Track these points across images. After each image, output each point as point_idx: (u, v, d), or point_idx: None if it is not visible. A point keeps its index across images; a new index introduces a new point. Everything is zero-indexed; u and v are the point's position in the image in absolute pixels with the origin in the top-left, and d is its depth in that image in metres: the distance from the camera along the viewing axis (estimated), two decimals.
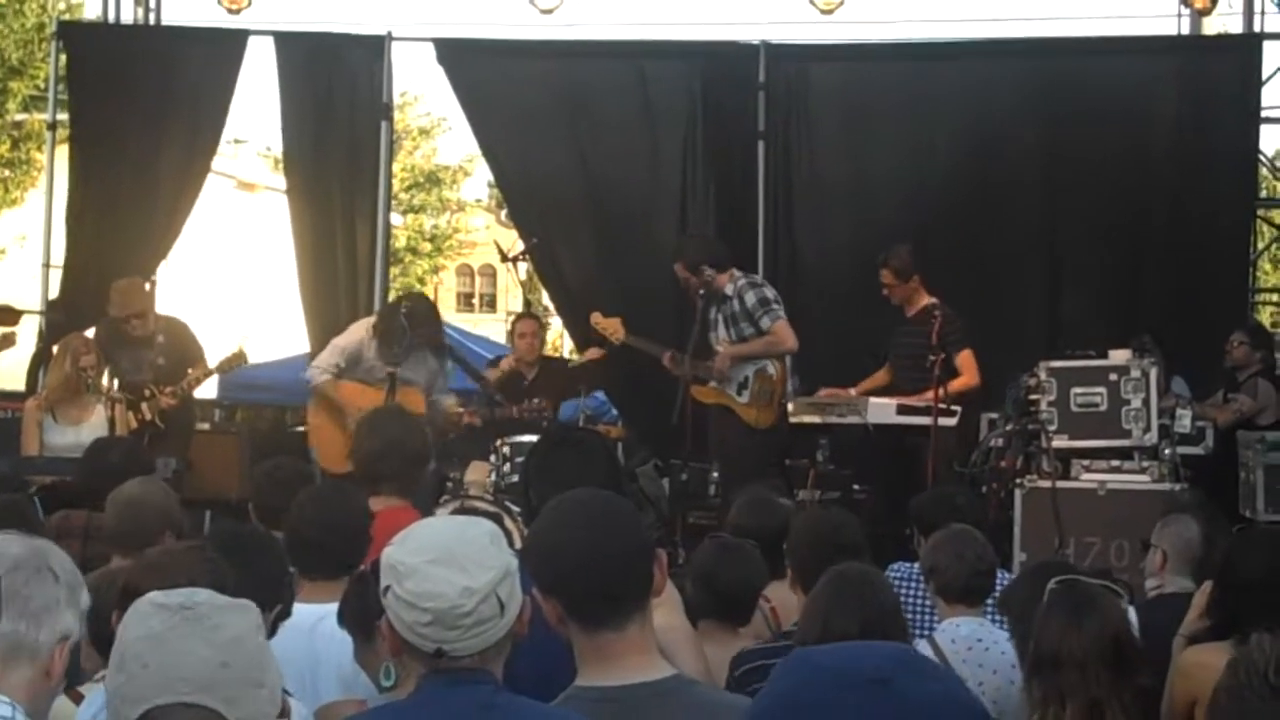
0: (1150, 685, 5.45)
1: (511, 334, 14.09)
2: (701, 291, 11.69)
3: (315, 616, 5.67)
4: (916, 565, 7.88)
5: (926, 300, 11.93)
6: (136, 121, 14.10)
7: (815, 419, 11.75)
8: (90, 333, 12.25)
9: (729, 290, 11.88)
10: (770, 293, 11.92)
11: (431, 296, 12.92)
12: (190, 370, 12.18)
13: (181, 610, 3.00)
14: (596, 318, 12.51)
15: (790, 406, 11.81)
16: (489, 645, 3.57)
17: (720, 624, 6.41)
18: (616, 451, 12.63)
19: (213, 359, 12.41)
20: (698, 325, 11.69)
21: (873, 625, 5.23)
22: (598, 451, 5.56)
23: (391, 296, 15.36)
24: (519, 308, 14.41)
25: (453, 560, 3.55)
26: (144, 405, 11.74)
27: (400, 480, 7.47)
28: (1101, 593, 5.12)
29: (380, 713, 3.92)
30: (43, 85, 22.93)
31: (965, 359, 11.71)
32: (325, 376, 11.75)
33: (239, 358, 12.53)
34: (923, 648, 6.49)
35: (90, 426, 11.17)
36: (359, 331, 11.97)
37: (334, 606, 5.66)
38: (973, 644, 6.52)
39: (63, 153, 14.62)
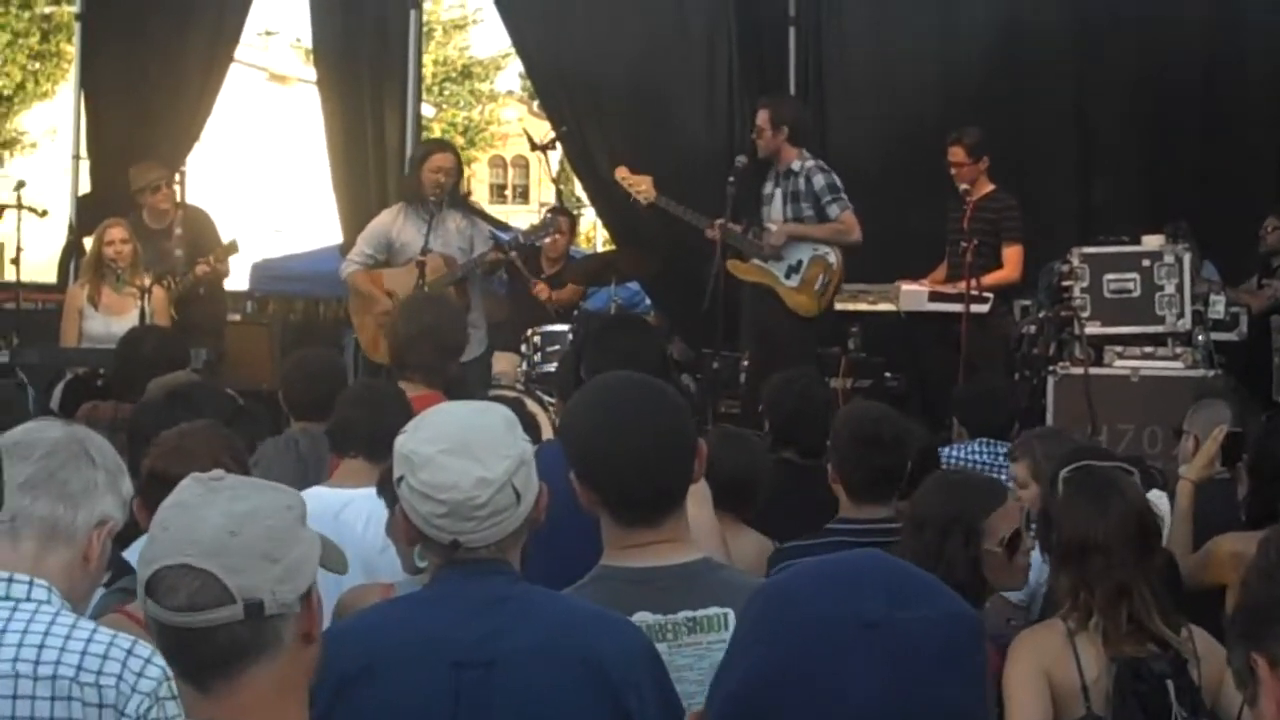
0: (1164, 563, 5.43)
1: None
2: (731, 178, 11.55)
3: (342, 502, 5.72)
4: (958, 448, 8.14)
5: (992, 186, 11.86)
6: (160, 7, 13.98)
7: (847, 306, 11.70)
8: None
9: (795, 166, 11.63)
10: (838, 181, 11.66)
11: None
12: (197, 268, 12.06)
13: (211, 482, 3.06)
14: (623, 172, 12.25)
15: None
16: (505, 535, 3.56)
17: (722, 514, 6.33)
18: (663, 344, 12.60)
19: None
20: (729, 210, 11.53)
21: None
22: (651, 335, 5.55)
23: None
24: (551, 199, 14.31)
25: (467, 450, 3.52)
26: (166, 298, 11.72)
27: (428, 369, 7.46)
28: (1118, 474, 5.08)
29: (396, 604, 3.92)
30: None
31: (1014, 253, 11.64)
32: (352, 267, 11.56)
33: (231, 248, 12.40)
34: None
35: (130, 318, 11.10)
36: (385, 216, 11.73)
37: (361, 492, 5.69)
38: None
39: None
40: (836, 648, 2.63)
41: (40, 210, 12.80)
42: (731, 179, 11.54)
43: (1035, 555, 5.26)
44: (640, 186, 12.09)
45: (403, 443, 3.60)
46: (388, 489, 4.92)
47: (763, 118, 11.70)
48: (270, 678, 2.97)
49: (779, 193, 11.71)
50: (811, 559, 3.14)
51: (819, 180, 11.55)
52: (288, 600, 2.93)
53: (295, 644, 3.00)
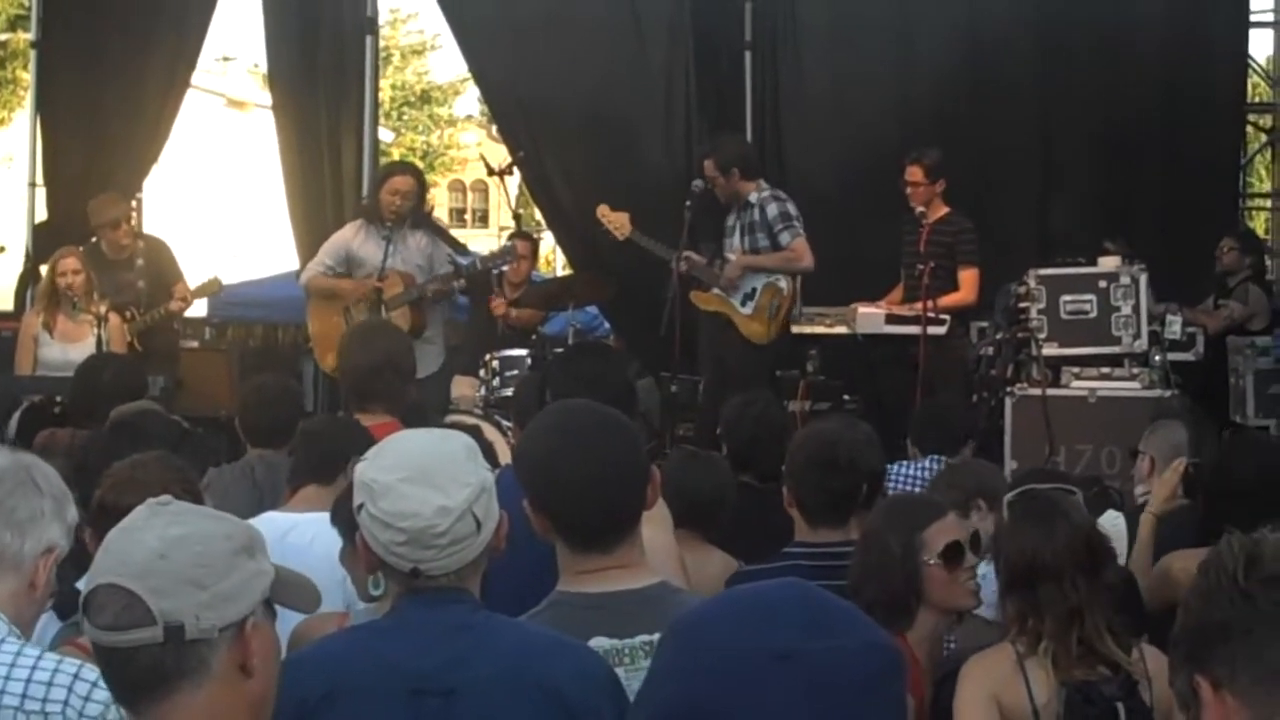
0: (1122, 582, 5.44)
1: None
2: (688, 201, 11.63)
3: (287, 525, 5.69)
4: (904, 465, 8.13)
5: (947, 209, 11.85)
6: (117, 34, 13.98)
7: (804, 329, 11.73)
8: None
9: (752, 198, 11.75)
10: (793, 208, 11.77)
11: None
12: (169, 302, 12.06)
13: (157, 507, 3.05)
14: (604, 210, 12.31)
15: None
16: (465, 563, 3.56)
17: (689, 533, 6.38)
18: (626, 371, 12.58)
19: (191, 283, 12.32)
20: (685, 236, 11.62)
21: None
22: (616, 361, 5.55)
23: None
24: (511, 223, 14.35)
25: (427, 478, 3.52)
26: (125, 328, 11.68)
27: (391, 397, 7.42)
28: (1062, 497, 5.10)
29: (356, 632, 3.89)
30: (26, 3, 22.78)
31: (970, 276, 11.63)
32: (311, 273, 11.66)
33: (213, 285, 12.46)
34: None
35: (86, 345, 11.08)
36: (346, 230, 11.80)
37: (310, 515, 5.69)
38: None
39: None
40: (749, 681, 2.62)
41: None
42: (688, 203, 11.62)
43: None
44: (617, 224, 12.17)
45: (363, 470, 3.60)
46: (341, 517, 4.93)
47: (709, 168, 11.82)
48: (200, 705, 2.92)
49: (738, 225, 11.79)
50: (726, 591, 3.15)
51: (772, 209, 11.65)
52: (210, 626, 2.90)
53: (228, 674, 2.94)
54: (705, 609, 3.02)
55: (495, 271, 12.19)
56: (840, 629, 2.72)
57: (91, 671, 3.47)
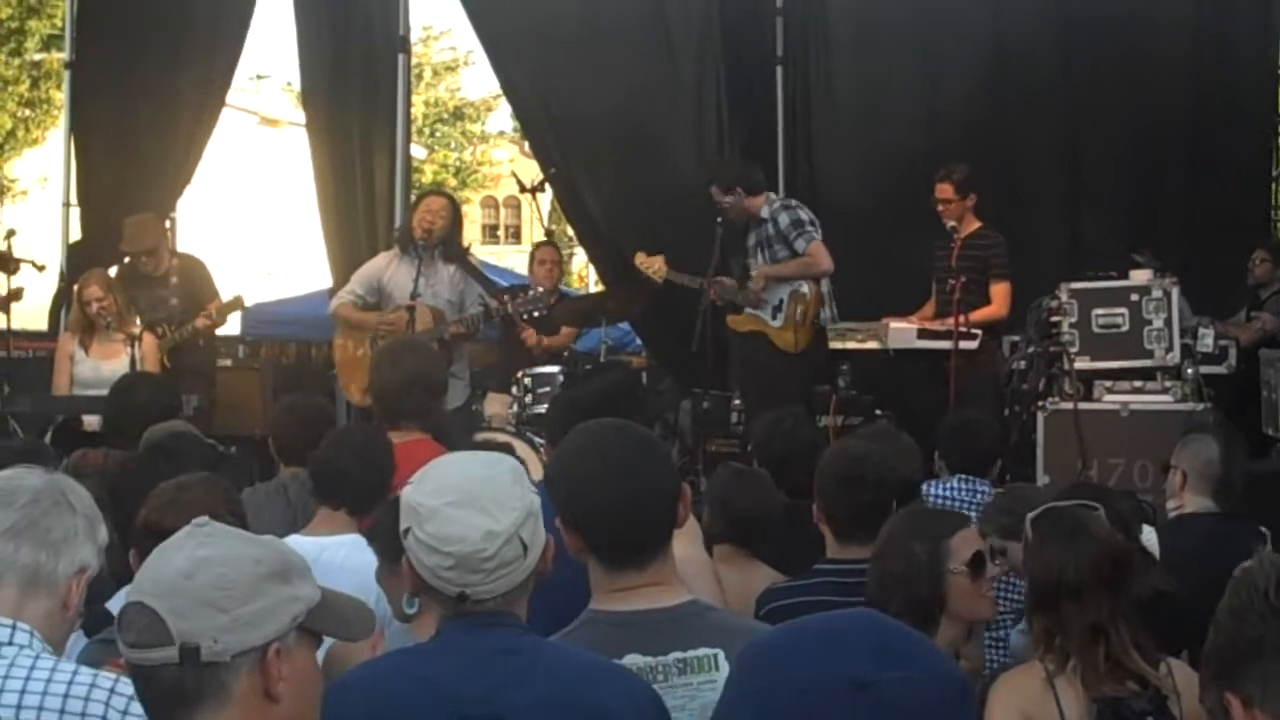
0: (1157, 594, 5.42)
1: (531, 262, 13.92)
2: (719, 218, 11.67)
3: (318, 549, 5.69)
4: (938, 485, 8.05)
5: (978, 223, 11.89)
6: (150, 54, 14.03)
7: (836, 344, 11.74)
8: (111, 271, 12.23)
9: (764, 213, 11.83)
10: (805, 214, 11.86)
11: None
12: (199, 320, 12.07)
13: (195, 528, 3.09)
14: (641, 258, 12.41)
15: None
16: (512, 587, 3.57)
17: (736, 549, 6.43)
18: (640, 380, 12.63)
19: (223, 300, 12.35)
20: (717, 252, 11.65)
21: None
22: (624, 380, 5.57)
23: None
24: (544, 239, 14.47)
25: (474, 502, 3.53)
26: (158, 345, 11.72)
27: (422, 414, 7.43)
28: (1085, 513, 5.07)
29: (403, 656, 3.87)
30: (60, 24, 22.86)
31: (1001, 290, 11.69)
32: (340, 301, 11.67)
33: (236, 303, 12.48)
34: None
35: (120, 363, 11.13)
36: (379, 259, 11.86)
37: (336, 539, 5.70)
38: None
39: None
40: (823, 708, 2.63)
41: (40, 265, 12.89)
42: (720, 219, 11.64)
43: None
44: (654, 267, 12.29)
45: (409, 494, 3.60)
46: (379, 536, 4.94)
47: (716, 193, 11.86)
48: None
49: (757, 243, 11.86)
50: (802, 618, 3.16)
51: (784, 220, 11.72)
52: (226, 650, 2.92)
53: (251, 699, 2.97)
54: (776, 636, 3.02)
55: (525, 316, 12.17)
56: (911, 658, 2.73)
57: (127, 686, 3.49)
